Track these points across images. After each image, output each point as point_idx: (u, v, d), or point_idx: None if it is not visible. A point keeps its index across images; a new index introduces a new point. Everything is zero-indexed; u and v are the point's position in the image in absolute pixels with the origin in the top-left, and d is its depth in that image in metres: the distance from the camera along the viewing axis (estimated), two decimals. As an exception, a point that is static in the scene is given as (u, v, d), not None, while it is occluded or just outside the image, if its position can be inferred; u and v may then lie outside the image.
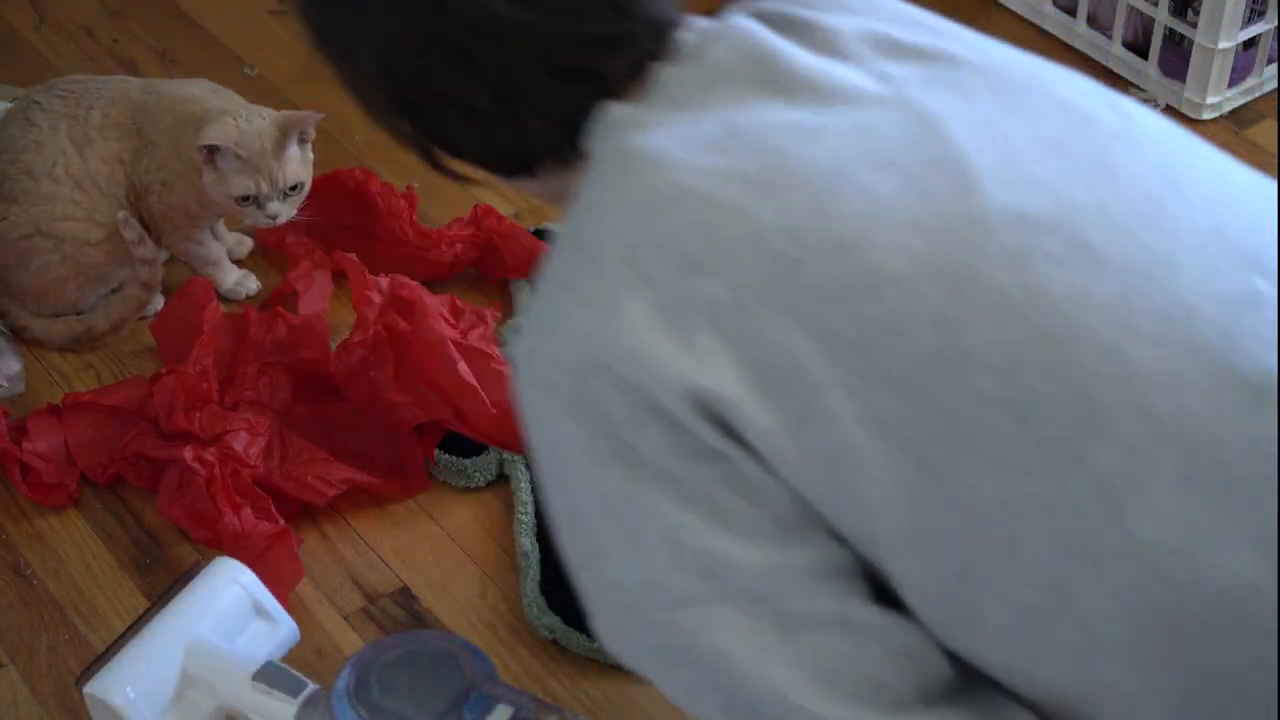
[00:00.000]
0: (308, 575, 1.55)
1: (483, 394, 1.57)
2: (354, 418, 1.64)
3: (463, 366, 1.56)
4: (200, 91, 1.78)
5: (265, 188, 1.70)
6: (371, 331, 1.57)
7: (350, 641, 1.50)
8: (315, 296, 1.79)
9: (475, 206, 1.85)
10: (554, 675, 1.47)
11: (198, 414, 1.58)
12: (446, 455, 1.64)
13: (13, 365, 1.76)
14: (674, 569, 0.92)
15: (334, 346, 1.68)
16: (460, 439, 1.64)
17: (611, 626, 0.98)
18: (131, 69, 2.20)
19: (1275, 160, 1.98)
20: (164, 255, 1.84)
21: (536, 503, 1.57)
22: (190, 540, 1.58)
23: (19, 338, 1.80)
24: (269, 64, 2.22)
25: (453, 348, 1.56)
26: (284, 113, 1.74)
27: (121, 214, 1.76)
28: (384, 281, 1.63)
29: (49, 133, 1.74)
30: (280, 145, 1.70)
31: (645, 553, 0.93)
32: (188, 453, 1.53)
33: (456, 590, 1.55)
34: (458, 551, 1.59)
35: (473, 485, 1.63)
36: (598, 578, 0.97)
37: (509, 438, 1.59)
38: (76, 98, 1.75)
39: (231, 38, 2.28)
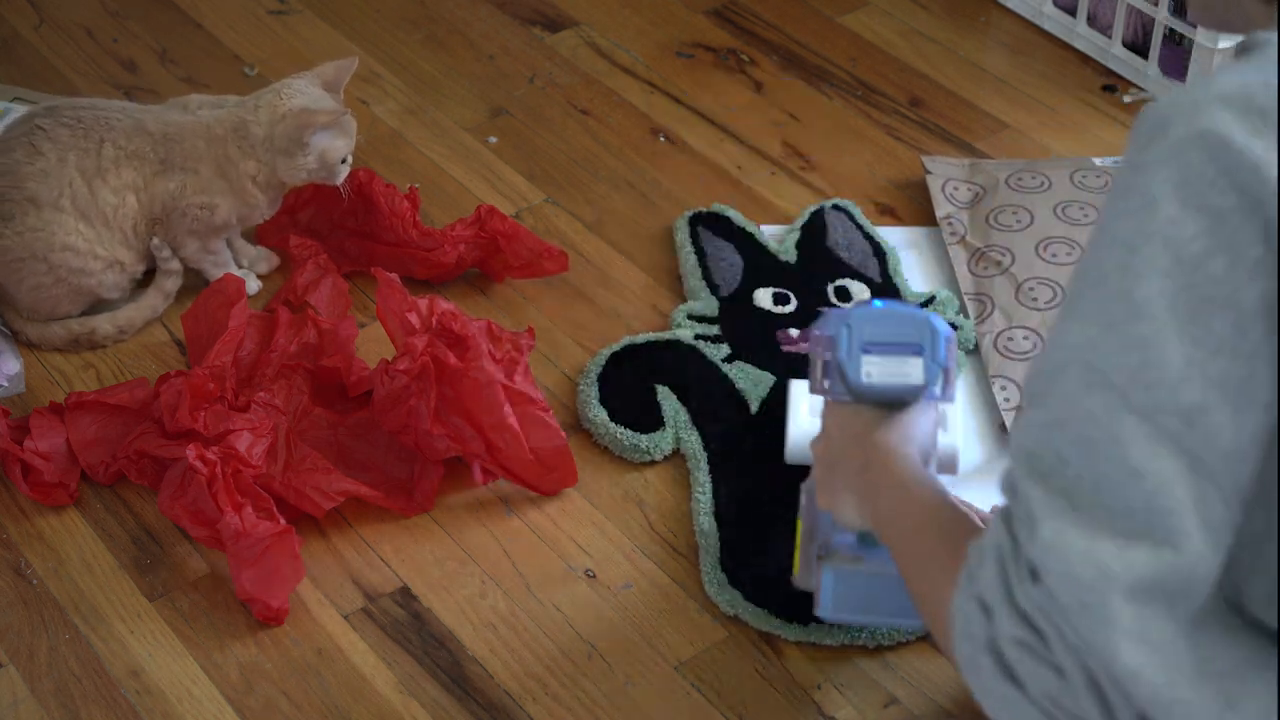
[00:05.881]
0: (308, 575, 1.55)
1: (523, 439, 1.58)
2: (370, 428, 1.65)
3: (508, 409, 1.57)
4: (218, 114, 1.78)
5: (353, 142, 1.79)
6: (419, 361, 1.57)
7: (350, 641, 1.50)
8: (336, 302, 1.80)
9: (478, 207, 1.85)
10: (555, 676, 1.48)
11: (203, 413, 1.58)
12: (622, 429, 1.66)
13: (13, 365, 1.76)
14: None
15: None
16: (635, 411, 1.67)
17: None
18: (131, 69, 2.21)
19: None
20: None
21: (714, 483, 1.61)
22: (190, 539, 1.58)
23: (15, 339, 1.80)
24: (269, 64, 2.22)
25: (501, 391, 1.57)
26: (317, 71, 1.80)
27: (155, 241, 1.79)
28: (424, 304, 1.63)
29: (57, 164, 1.73)
30: (339, 98, 1.79)
31: None
32: (190, 451, 1.53)
33: (456, 590, 1.55)
34: (458, 551, 1.59)
35: (649, 460, 1.66)
36: None
37: (540, 481, 1.62)
38: (86, 129, 1.74)
39: (231, 38, 2.28)
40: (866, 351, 1.27)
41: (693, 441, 1.66)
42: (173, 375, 1.64)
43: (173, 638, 1.51)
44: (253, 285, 1.85)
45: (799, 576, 1.40)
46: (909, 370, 1.27)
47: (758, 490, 1.61)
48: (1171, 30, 2.08)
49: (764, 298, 1.82)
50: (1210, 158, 0.87)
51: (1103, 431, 0.89)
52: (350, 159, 1.79)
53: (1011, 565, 0.93)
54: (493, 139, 2.09)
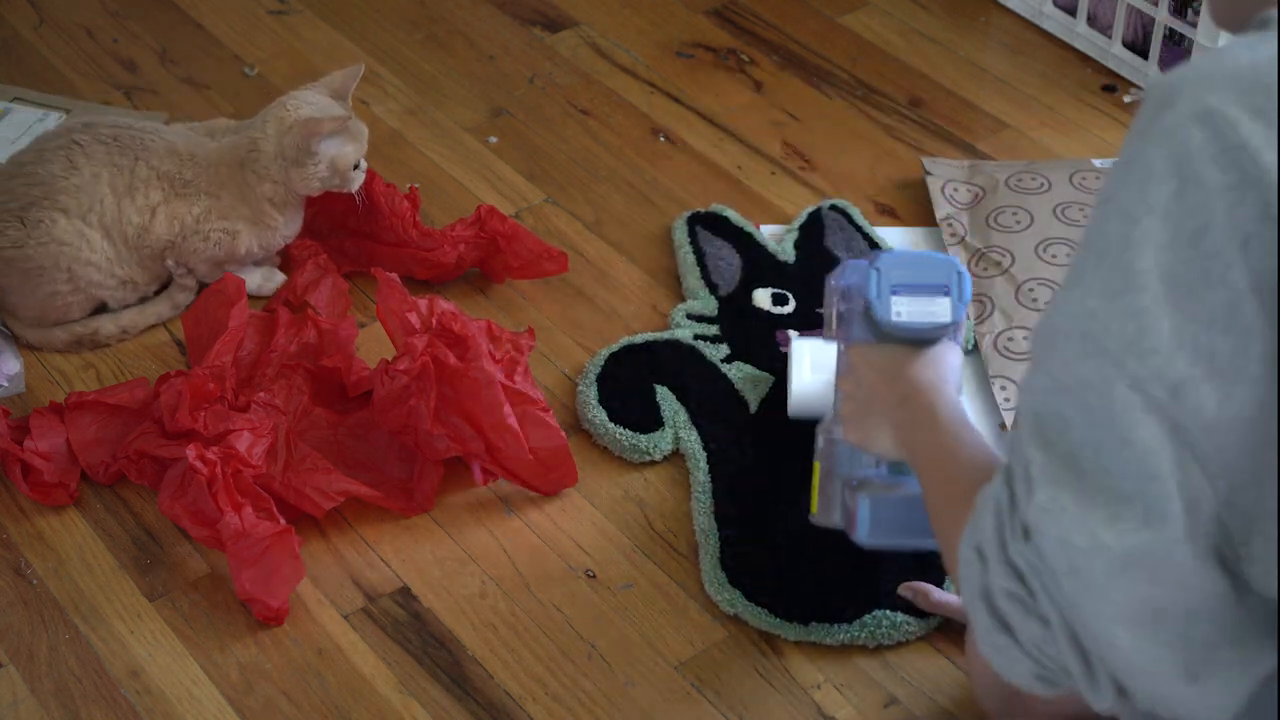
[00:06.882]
0: (308, 575, 1.55)
1: (523, 439, 1.58)
2: (370, 428, 1.65)
3: (507, 409, 1.57)
4: (235, 139, 1.79)
5: (364, 147, 1.79)
6: (419, 361, 1.57)
7: (350, 641, 1.50)
8: (336, 302, 1.80)
9: (478, 207, 1.85)
10: (555, 676, 1.48)
11: (203, 413, 1.59)
12: (621, 429, 1.66)
13: (13, 365, 1.76)
14: None
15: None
16: (634, 411, 1.68)
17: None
18: (131, 69, 2.21)
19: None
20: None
21: (713, 482, 1.61)
22: (190, 539, 1.58)
23: (16, 342, 1.80)
24: (269, 64, 2.22)
25: (501, 391, 1.57)
26: (324, 80, 1.81)
27: (169, 263, 1.79)
28: (424, 304, 1.63)
29: (90, 179, 1.74)
30: (347, 106, 1.80)
31: None
32: (190, 451, 1.53)
33: (456, 590, 1.55)
34: (458, 551, 1.59)
35: (648, 460, 1.66)
36: None
37: (540, 481, 1.62)
38: (122, 147, 1.76)
39: (231, 38, 2.28)
40: (895, 292, 1.35)
41: (692, 441, 1.66)
42: (173, 375, 1.64)
43: (173, 638, 1.51)
44: (278, 278, 1.85)
45: (818, 515, 1.45)
46: (937, 309, 1.35)
47: (757, 489, 1.61)
48: (1171, 30, 2.08)
49: (763, 298, 1.82)
50: (1211, 136, 0.88)
51: (1098, 399, 0.92)
52: (364, 165, 1.80)
53: (1007, 521, 0.97)
54: (493, 139, 2.09)
